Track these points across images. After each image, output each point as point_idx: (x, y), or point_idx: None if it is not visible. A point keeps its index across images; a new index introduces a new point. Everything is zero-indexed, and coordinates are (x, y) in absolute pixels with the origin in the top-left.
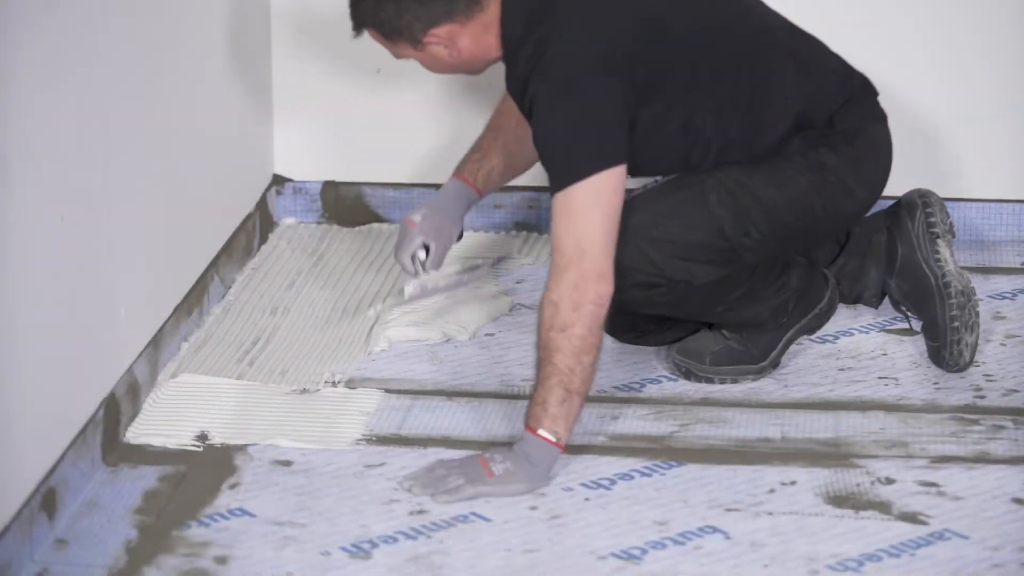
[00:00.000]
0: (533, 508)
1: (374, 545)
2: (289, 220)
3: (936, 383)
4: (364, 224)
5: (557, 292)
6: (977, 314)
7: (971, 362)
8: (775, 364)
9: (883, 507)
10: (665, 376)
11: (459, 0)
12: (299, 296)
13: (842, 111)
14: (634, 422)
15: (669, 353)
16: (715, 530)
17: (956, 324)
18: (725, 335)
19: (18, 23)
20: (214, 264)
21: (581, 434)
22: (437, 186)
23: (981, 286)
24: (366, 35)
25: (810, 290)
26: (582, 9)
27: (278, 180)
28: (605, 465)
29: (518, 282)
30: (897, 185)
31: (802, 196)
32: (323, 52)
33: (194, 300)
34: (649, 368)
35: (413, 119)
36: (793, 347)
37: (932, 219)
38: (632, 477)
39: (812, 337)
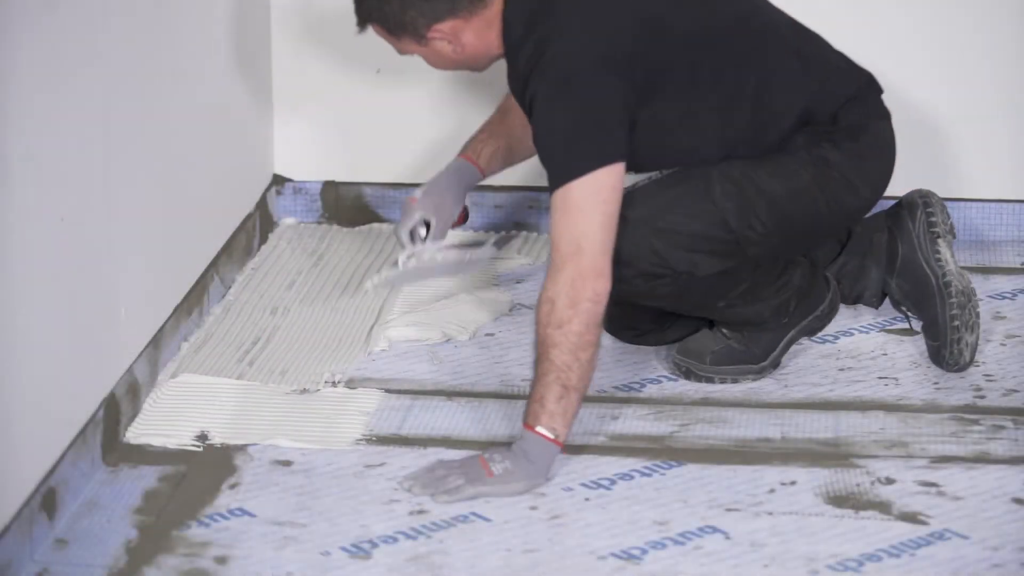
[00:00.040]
0: (533, 508)
1: (374, 545)
2: (289, 220)
3: (936, 383)
4: (364, 224)
5: (554, 289)
6: (977, 315)
7: (971, 362)
8: (775, 364)
9: (883, 507)
10: (665, 376)
11: None
12: (299, 296)
13: (846, 107)
14: (634, 422)
15: (669, 353)
16: (715, 530)
17: (956, 323)
18: (726, 334)
19: (18, 23)
20: (214, 264)
21: (581, 434)
22: None
23: (981, 286)
24: (368, 33)
25: (812, 291)
26: (582, 9)
27: (278, 180)
28: (605, 465)
29: (518, 282)
30: (897, 185)
31: (805, 190)
32: (323, 52)
33: (194, 300)
34: (649, 368)
35: (413, 119)
36: (793, 347)
37: (933, 219)
38: (632, 477)
39: (812, 337)
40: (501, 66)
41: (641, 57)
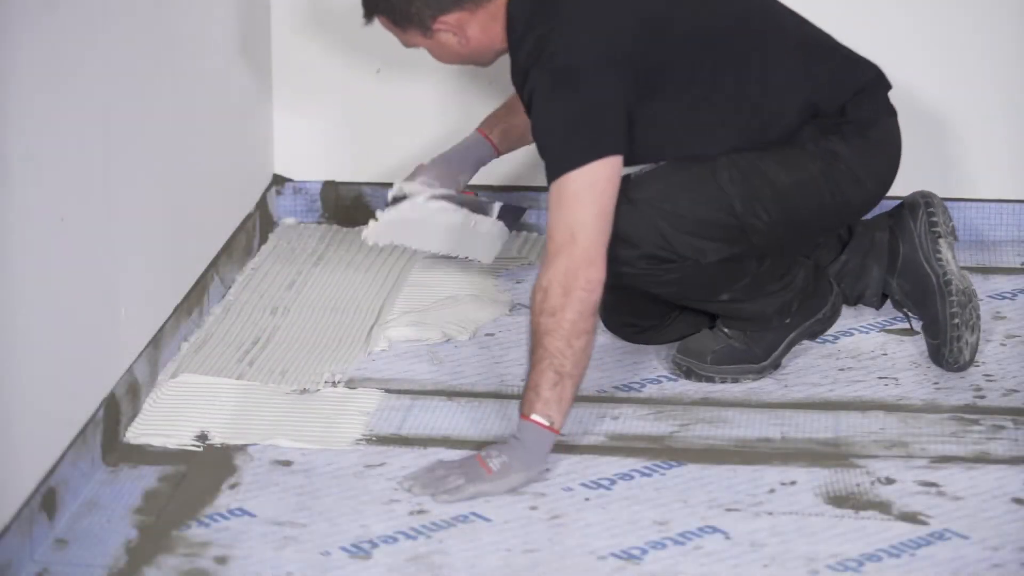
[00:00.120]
0: (533, 508)
1: (374, 545)
2: (289, 220)
3: (936, 383)
4: (364, 224)
5: (547, 277)
6: (978, 316)
7: (971, 361)
8: (776, 365)
9: (883, 507)
10: (665, 376)
11: None
12: (299, 296)
13: (855, 100)
14: (634, 422)
15: (669, 353)
16: (715, 530)
17: (956, 321)
18: (727, 334)
19: (18, 23)
20: (214, 264)
21: (581, 434)
22: None
23: (981, 286)
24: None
25: (815, 292)
26: (584, 7)
27: (278, 180)
28: (605, 465)
29: (518, 282)
30: (897, 185)
31: (812, 181)
32: (324, 52)
33: (194, 300)
34: (649, 368)
35: (413, 119)
36: (793, 347)
37: (935, 219)
38: (632, 477)
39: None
40: (502, 66)
41: (641, 57)
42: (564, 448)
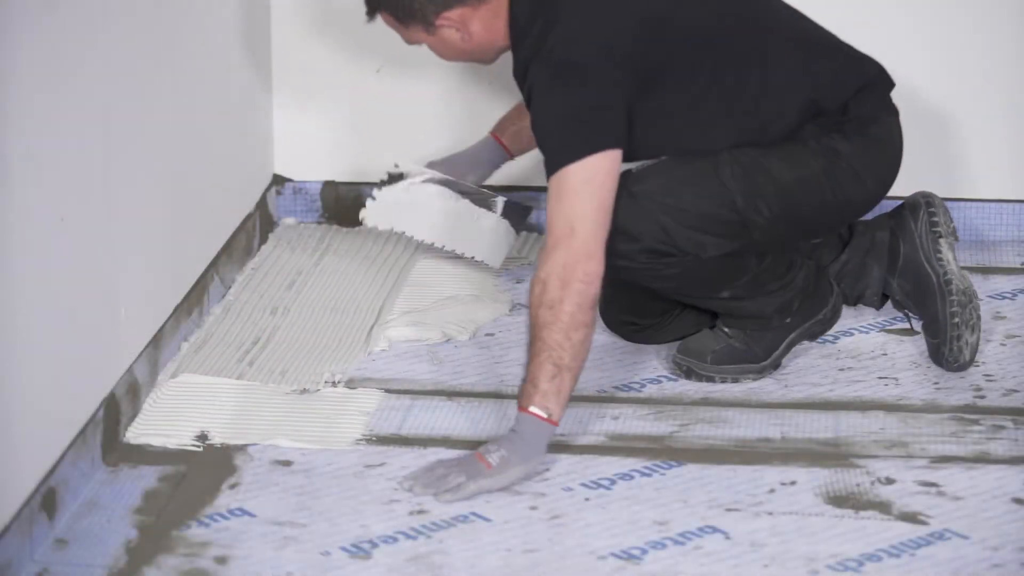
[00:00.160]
0: (533, 508)
1: (374, 545)
2: (289, 220)
3: (936, 383)
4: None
5: (545, 270)
6: (978, 316)
7: (971, 361)
8: (776, 365)
9: (883, 507)
10: (665, 376)
11: None
12: (299, 296)
13: (857, 98)
14: (634, 422)
15: (669, 353)
16: (715, 530)
17: (956, 320)
18: (727, 334)
19: (18, 23)
20: (214, 264)
21: (581, 434)
22: None
23: (981, 286)
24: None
25: (816, 293)
26: (584, 6)
27: (278, 180)
28: (605, 465)
29: (518, 282)
30: (898, 185)
31: (813, 178)
32: (324, 52)
33: (194, 300)
34: (649, 368)
35: (414, 119)
36: (793, 347)
37: (935, 219)
38: (632, 477)
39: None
40: (503, 66)
41: (641, 56)
42: (564, 448)
